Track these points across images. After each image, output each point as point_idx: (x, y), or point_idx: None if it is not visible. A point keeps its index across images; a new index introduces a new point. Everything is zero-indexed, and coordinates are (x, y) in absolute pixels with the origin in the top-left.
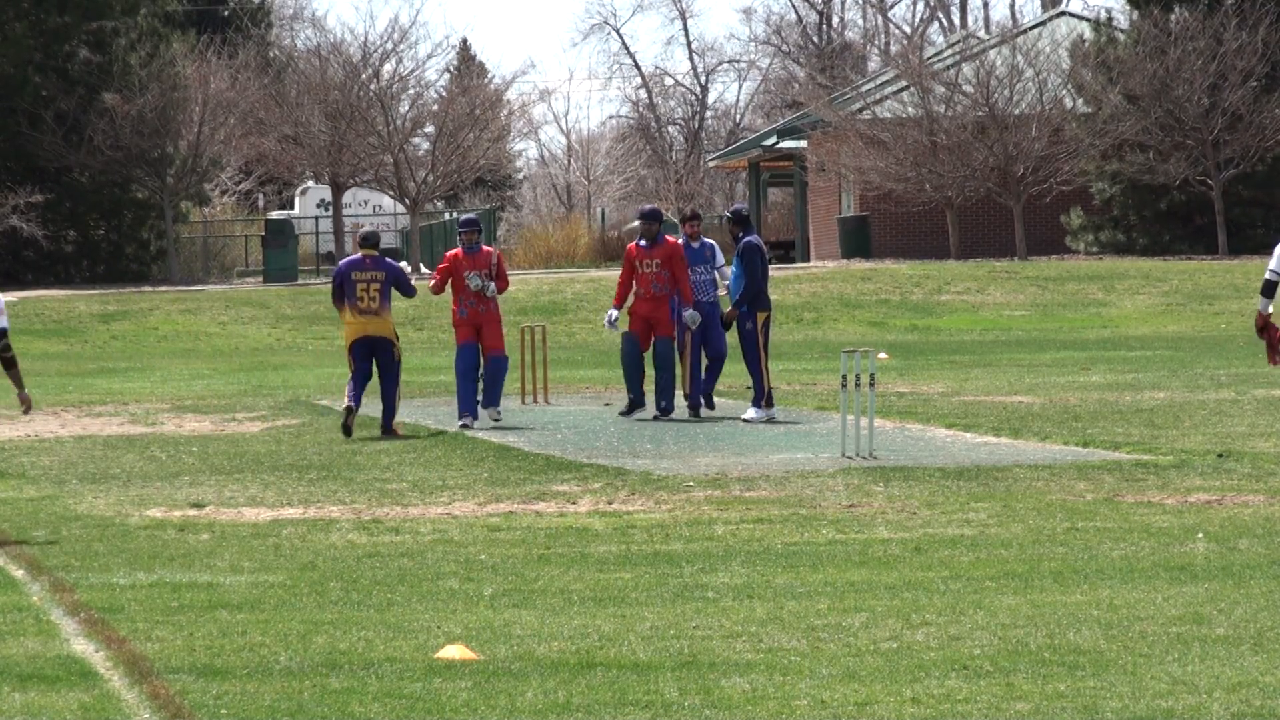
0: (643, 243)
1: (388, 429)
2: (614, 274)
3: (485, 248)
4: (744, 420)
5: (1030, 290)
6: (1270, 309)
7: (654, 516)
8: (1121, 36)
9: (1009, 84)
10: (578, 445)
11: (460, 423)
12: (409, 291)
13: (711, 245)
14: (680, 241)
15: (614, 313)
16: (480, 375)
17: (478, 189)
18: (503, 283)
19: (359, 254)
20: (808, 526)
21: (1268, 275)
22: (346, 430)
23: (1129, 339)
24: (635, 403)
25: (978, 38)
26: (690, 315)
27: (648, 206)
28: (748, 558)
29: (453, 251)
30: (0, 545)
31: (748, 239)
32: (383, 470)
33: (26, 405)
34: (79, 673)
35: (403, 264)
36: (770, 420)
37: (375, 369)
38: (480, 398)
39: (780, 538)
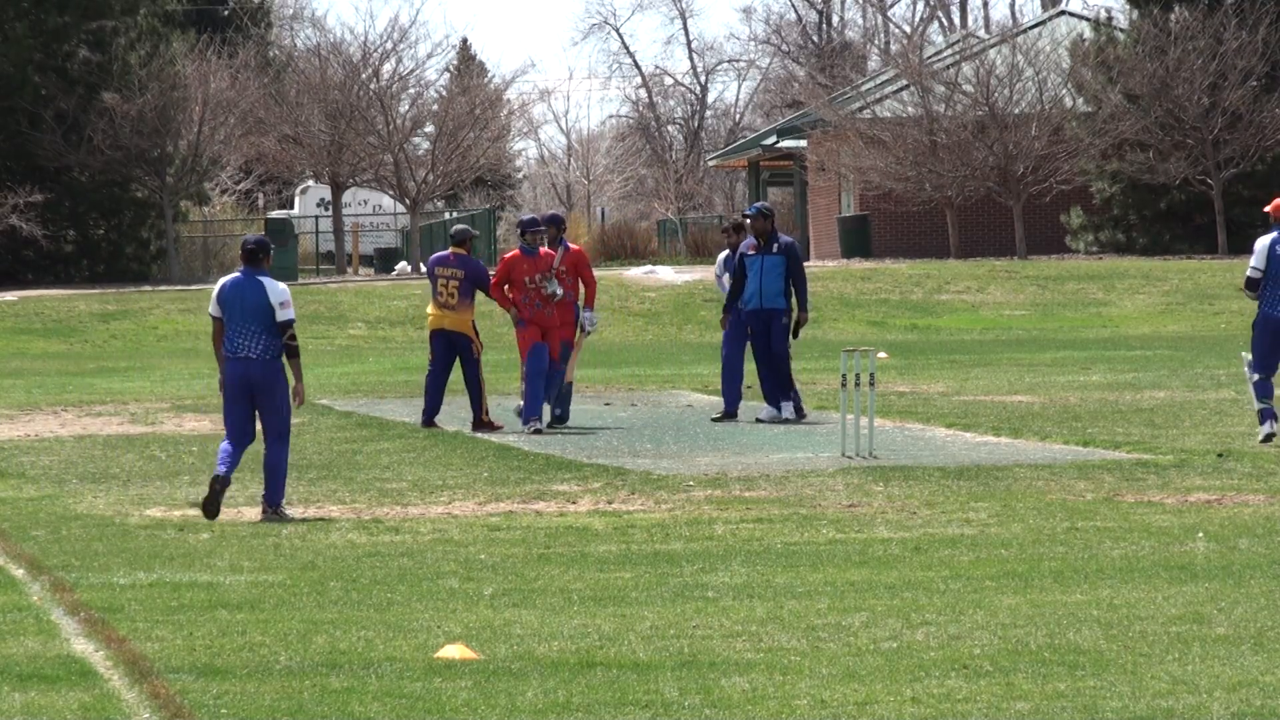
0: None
1: (478, 422)
2: (613, 274)
3: (543, 249)
4: (786, 419)
5: (1030, 290)
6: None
7: (654, 516)
8: (1121, 36)
9: (1009, 83)
10: (578, 445)
11: (532, 428)
12: (490, 292)
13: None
14: (579, 248)
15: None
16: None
17: (478, 188)
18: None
19: (448, 250)
20: (808, 526)
21: (1250, 273)
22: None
23: (1129, 339)
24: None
25: (978, 37)
26: (589, 317)
27: (548, 212)
28: (748, 557)
29: (510, 254)
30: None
31: (788, 238)
32: (383, 470)
33: (299, 399)
34: (79, 673)
35: (404, 264)
36: (774, 420)
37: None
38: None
39: (780, 537)
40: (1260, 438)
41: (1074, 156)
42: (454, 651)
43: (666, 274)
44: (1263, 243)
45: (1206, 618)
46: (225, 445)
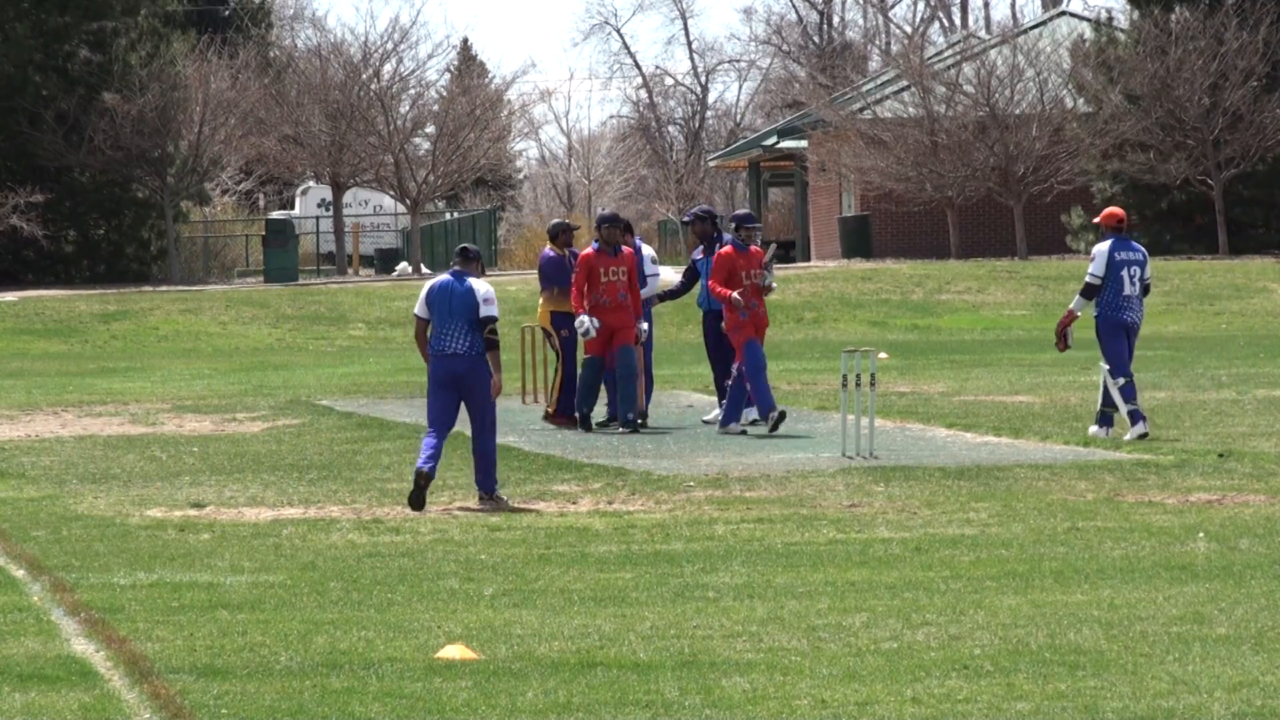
0: (596, 245)
1: (547, 414)
2: None
3: (754, 247)
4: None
5: (1031, 290)
6: (1082, 312)
7: (654, 516)
8: (1122, 36)
9: (1009, 84)
10: (578, 445)
11: (773, 420)
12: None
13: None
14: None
15: (590, 320)
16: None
17: (478, 189)
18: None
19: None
20: (808, 526)
21: (1089, 279)
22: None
23: None
24: (588, 419)
25: (978, 38)
26: (642, 329)
27: (608, 211)
28: (748, 557)
29: (725, 249)
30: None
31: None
32: (383, 470)
33: (497, 390)
34: (79, 673)
35: (405, 264)
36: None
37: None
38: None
39: (780, 538)
40: (1130, 436)
41: (1075, 157)
42: (454, 652)
43: (667, 274)
44: (1102, 249)
45: (1207, 618)
46: (428, 438)
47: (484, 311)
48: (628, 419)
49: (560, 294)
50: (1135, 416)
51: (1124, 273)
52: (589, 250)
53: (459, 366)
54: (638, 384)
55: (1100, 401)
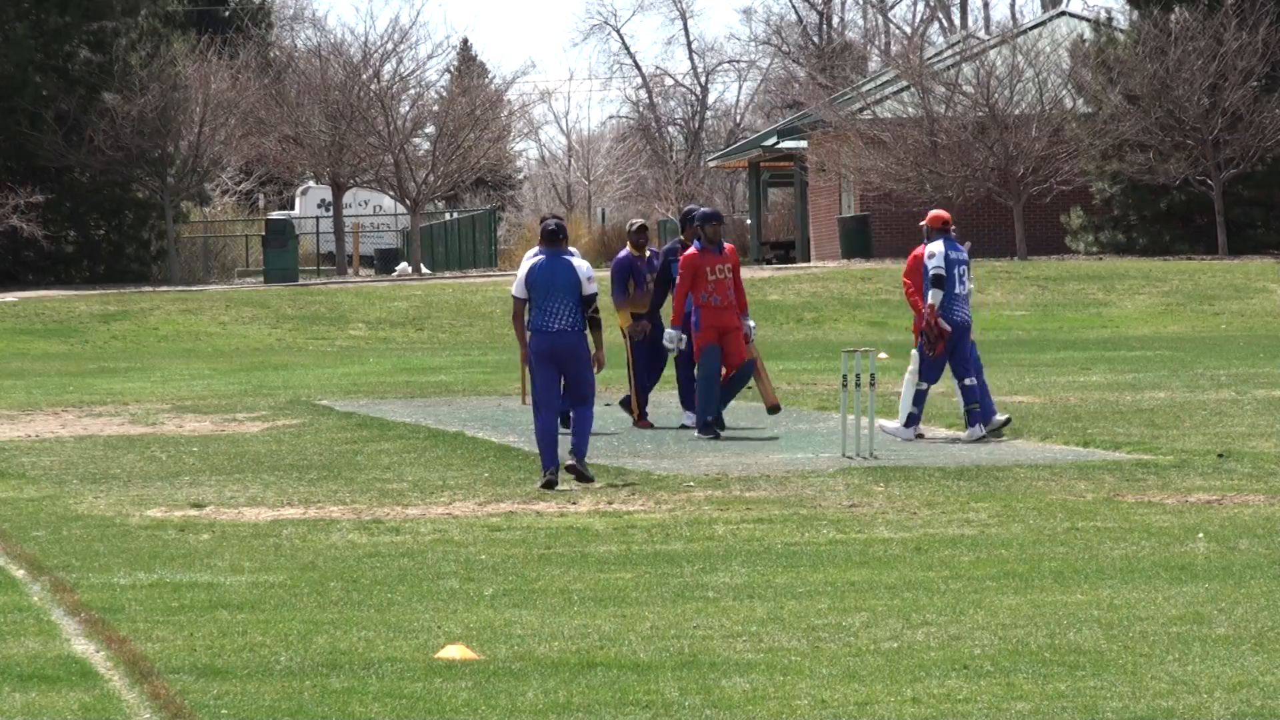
0: (699, 244)
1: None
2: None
3: (916, 250)
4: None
5: (1030, 290)
6: (936, 301)
7: (654, 516)
8: (1121, 36)
9: (1009, 84)
10: None
11: (996, 421)
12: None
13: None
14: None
15: (679, 334)
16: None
17: (478, 189)
18: None
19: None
20: (808, 526)
21: (936, 271)
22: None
23: (1129, 339)
24: (718, 422)
25: (978, 38)
26: (675, 335)
27: (708, 208)
28: (748, 558)
29: (933, 245)
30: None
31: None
32: (383, 470)
33: (600, 365)
34: (79, 673)
35: (405, 264)
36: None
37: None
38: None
39: (780, 538)
40: (903, 437)
41: (1074, 157)
42: (454, 652)
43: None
44: (939, 248)
45: (1206, 618)
46: (540, 421)
47: (588, 290)
48: (705, 423)
49: (637, 296)
50: (912, 420)
51: (956, 272)
52: (693, 250)
53: (562, 342)
54: (718, 389)
55: (963, 402)
